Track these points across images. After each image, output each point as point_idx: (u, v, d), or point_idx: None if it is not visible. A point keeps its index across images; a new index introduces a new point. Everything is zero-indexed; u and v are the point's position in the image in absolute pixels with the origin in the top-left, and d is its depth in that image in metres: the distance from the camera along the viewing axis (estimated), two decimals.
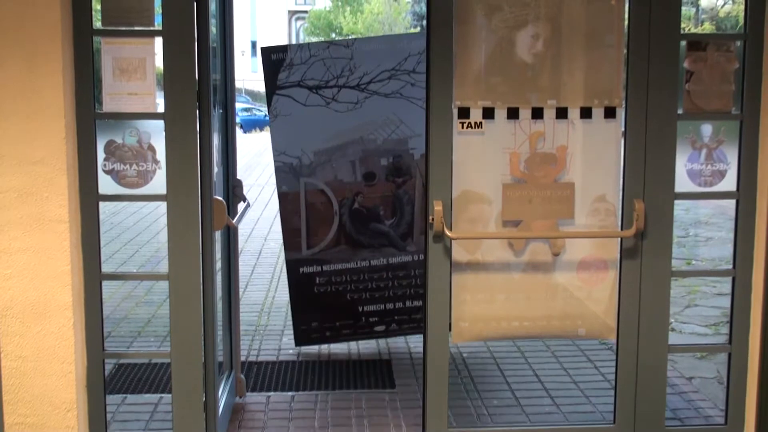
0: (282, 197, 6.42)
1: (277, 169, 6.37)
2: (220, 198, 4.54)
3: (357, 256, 6.47)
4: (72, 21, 4.04)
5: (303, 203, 6.37)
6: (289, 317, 7.44)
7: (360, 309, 6.56)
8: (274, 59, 6.33)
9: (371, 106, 6.32)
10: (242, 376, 5.64)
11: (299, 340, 6.64)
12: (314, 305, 6.53)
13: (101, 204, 4.22)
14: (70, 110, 4.05)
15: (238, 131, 39.94)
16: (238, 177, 5.44)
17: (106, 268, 4.51)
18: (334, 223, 6.41)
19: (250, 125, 43.36)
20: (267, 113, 6.14)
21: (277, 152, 6.36)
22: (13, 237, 4.06)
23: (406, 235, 6.45)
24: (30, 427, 4.20)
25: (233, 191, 5.27)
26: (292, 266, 6.51)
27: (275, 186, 6.37)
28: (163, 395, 5.73)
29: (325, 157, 6.33)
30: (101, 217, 4.25)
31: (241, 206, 5.37)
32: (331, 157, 6.32)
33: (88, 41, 4.10)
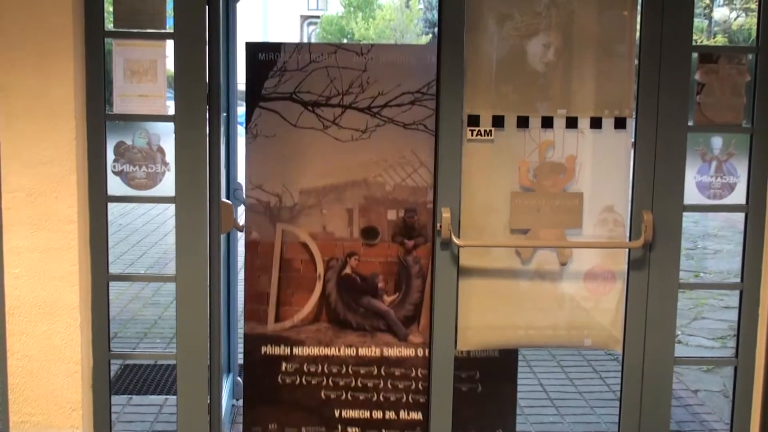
0: (250, 246, 4.68)
1: (249, 208, 4.66)
2: (228, 201, 4.53)
3: (341, 340, 4.73)
4: (84, 22, 4.06)
5: (277, 258, 4.69)
6: None
7: (336, 413, 4.78)
8: (261, 60, 4.62)
9: (383, 138, 4.62)
10: (240, 379, 5.61)
11: None
12: (275, 401, 4.76)
13: (110, 205, 4.23)
14: (80, 111, 4.06)
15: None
16: (239, 180, 5.36)
17: (113, 269, 4.51)
18: (315, 291, 4.71)
19: None
20: (246, 135, 4.61)
21: (252, 185, 4.64)
22: (21, 236, 4.07)
23: (411, 321, 4.71)
24: (35, 426, 4.21)
25: (234, 194, 5.25)
26: (251, 344, 4.73)
27: (243, 233, 4.74)
28: (168, 396, 5.74)
29: (313, 199, 4.65)
30: (110, 218, 4.26)
31: (241, 209, 4.87)
32: (321, 201, 4.65)
33: (100, 43, 4.11)
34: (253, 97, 4.60)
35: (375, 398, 4.77)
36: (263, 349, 4.73)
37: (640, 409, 4.45)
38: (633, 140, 4.29)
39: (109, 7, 4.15)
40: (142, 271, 10.38)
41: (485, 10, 4.20)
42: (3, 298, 4.13)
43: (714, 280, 10.58)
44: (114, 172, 4.23)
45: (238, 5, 5.54)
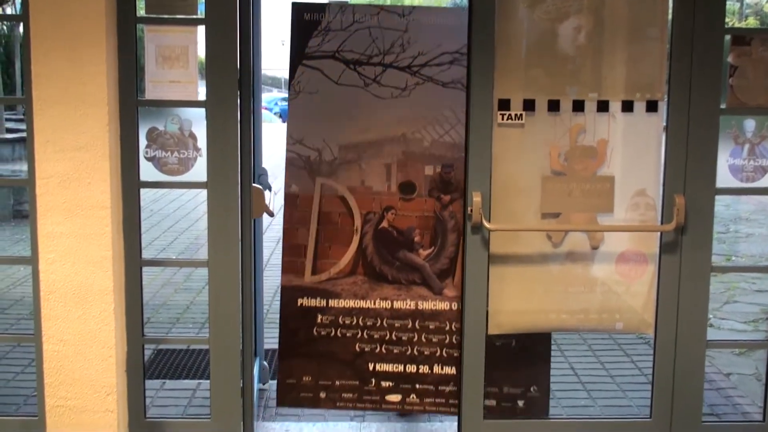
0: (289, 199, 4.75)
1: (289, 162, 4.74)
2: (259, 186, 4.55)
3: (376, 293, 4.77)
4: (116, 9, 4.08)
5: (315, 212, 4.76)
6: None
7: (371, 367, 4.82)
8: (306, 20, 4.81)
9: (422, 96, 4.71)
10: (266, 363, 5.65)
11: (282, 399, 4.86)
12: (310, 353, 4.81)
13: (142, 191, 4.26)
14: (113, 97, 4.09)
15: (278, 120, 40.23)
16: (267, 167, 5.36)
17: (146, 255, 4.54)
18: (352, 244, 4.78)
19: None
20: (289, 92, 4.81)
21: (292, 140, 4.76)
22: (56, 222, 4.11)
23: (446, 274, 4.73)
24: (70, 409, 4.25)
25: (259, 180, 5.25)
26: (288, 295, 4.78)
27: (283, 185, 4.76)
28: (201, 381, 5.78)
29: (352, 154, 4.74)
30: (142, 204, 4.28)
31: (267, 195, 4.75)
32: (360, 156, 4.73)
33: (132, 29, 4.13)
34: (298, 55, 4.75)
35: (409, 352, 4.80)
36: (299, 301, 4.78)
37: (672, 393, 4.44)
38: (665, 123, 4.27)
39: None
40: (174, 257, 10.43)
41: None
42: (38, 283, 4.18)
43: (746, 264, 10.51)
44: (146, 158, 4.25)
45: None
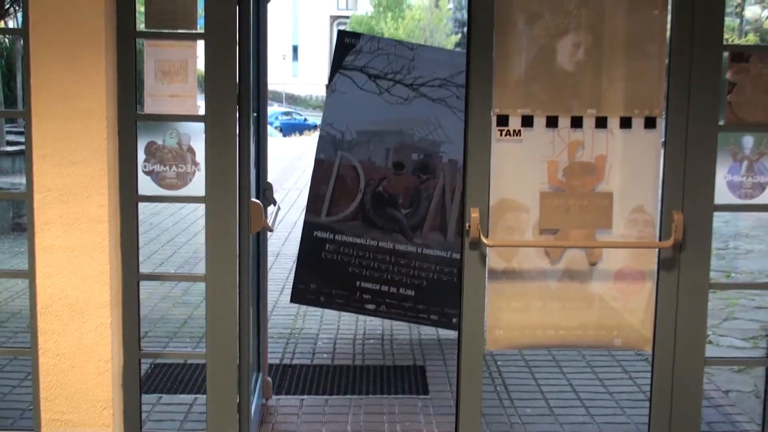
0: (317, 163, 7.03)
1: (321, 138, 7.09)
2: (258, 201, 4.56)
3: (368, 234, 7.00)
4: (116, 23, 4.09)
5: (334, 173, 6.98)
6: (325, 321, 7.54)
7: (357, 284, 7.04)
8: (346, 42, 7.07)
9: (417, 106, 6.92)
10: (269, 379, 5.66)
11: (295, 297, 7.18)
12: (318, 269, 7.04)
13: (141, 204, 4.26)
14: (111, 111, 4.09)
15: (278, 135, 40.26)
16: (269, 180, 5.46)
17: (144, 269, 4.54)
18: (356, 199, 6.98)
19: (289, 129, 43.59)
20: (327, 90, 7.20)
21: (325, 122, 7.12)
22: (53, 236, 4.10)
23: (416, 228, 6.96)
24: (66, 423, 4.24)
25: (264, 194, 5.30)
26: (308, 228, 7.09)
27: (315, 153, 7.09)
28: (197, 396, 5.77)
29: (365, 138, 6.96)
30: (141, 217, 4.28)
31: (271, 209, 5.36)
32: (370, 140, 6.95)
33: (131, 43, 4.14)
34: (336, 66, 7.03)
35: (385, 277, 7.03)
36: (315, 232, 7.07)
37: (671, 410, 4.42)
38: (663, 140, 4.27)
39: (140, 8, 4.17)
40: (173, 271, 10.43)
41: (515, 9, 4.19)
42: (35, 297, 4.17)
43: (745, 280, 10.50)
44: (145, 172, 4.25)
45: (269, 5, 5.56)
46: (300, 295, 7.12)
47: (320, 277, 7.05)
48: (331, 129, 7.02)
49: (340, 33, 7.17)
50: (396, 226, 6.97)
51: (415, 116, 6.93)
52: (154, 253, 11.21)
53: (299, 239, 7.25)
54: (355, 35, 7.23)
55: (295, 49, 72.58)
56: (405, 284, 7.00)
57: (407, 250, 7.01)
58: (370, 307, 7.10)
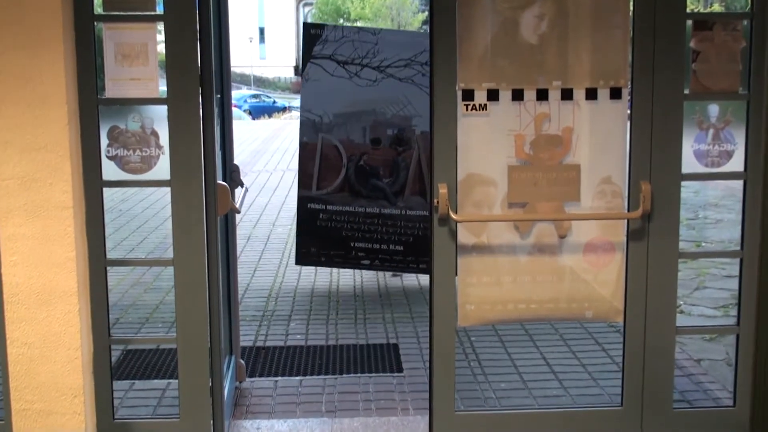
0: (302, 146, 7.83)
1: (302, 123, 7.83)
2: (224, 183, 4.52)
3: (356, 202, 7.79)
4: (73, 6, 4.03)
5: (318, 153, 7.74)
6: (297, 303, 7.60)
7: (352, 244, 7.89)
8: (312, 33, 7.71)
9: (386, 86, 7.60)
10: (242, 361, 5.64)
11: (299, 260, 8.08)
12: (315, 235, 7.89)
13: (108, 191, 4.21)
14: (72, 96, 4.04)
15: (247, 118, 40.12)
16: (237, 163, 5.44)
17: (115, 255, 4.50)
18: (341, 174, 7.74)
19: (258, 112, 43.42)
20: (302, 79, 7.85)
21: (304, 109, 7.85)
22: (17, 224, 4.06)
23: (398, 194, 7.75)
24: (37, 413, 4.21)
25: (231, 176, 5.27)
26: (302, 201, 7.90)
27: (298, 137, 7.90)
28: (170, 381, 5.74)
29: (342, 119, 7.69)
30: (109, 204, 4.24)
31: (239, 191, 5.38)
32: (347, 121, 7.67)
33: (90, 27, 4.09)
34: (307, 56, 7.69)
35: (375, 236, 7.84)
36: (308, 205, 7.87)
37: (643, 380, 4.44)
38: (629, 110, 4.27)
39: None
40: (143, 256, 10.37)
41: None
42: (1, 287, 4.12)
43: (715, 249, 10.56)
44: (108, 157, 4.21)
45: None
46: (303, 257, 8.03)
47: (318, 241, 7.90)
48: (310, 114, 7.76)
49: (305, 25, 7.93)
50: (380, 194, 7.77)
51: (385, 96, 7.62)
52: (123, 240, 11.12)
53: (294, 211, 8.33)
54: (320, 26, 7.85)
55: (261, 31, 72.26)
56: (394, 241, 7.84)
57: (393, 213, 7.80)
58: (365, 262, 7.97)
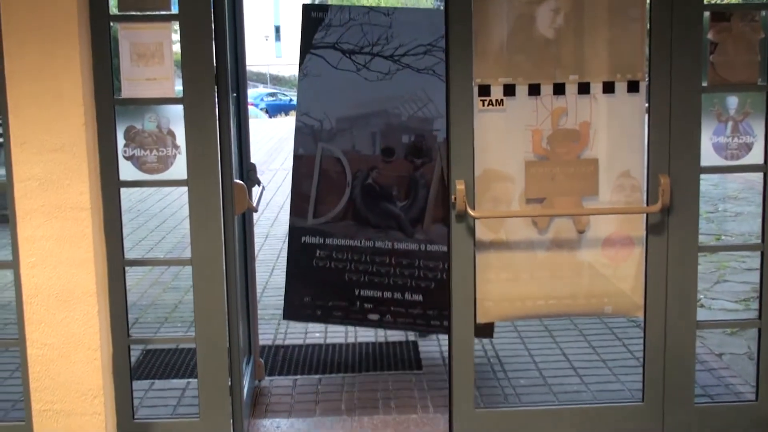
0: (297, 159, 6.01)
1: (297, 130, 5.99)
2: (241, 182, 4.52)
3: (362, 234, 5.89)
4: (89, 7, 4.03)
5: (317, 169, 5.92)
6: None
7: (356, 292, 5.97)
8: (313, 17, 6.05)
9: (401, 79, 5.87)
10: (261, 360, 5.63)
11: (288, 314, 6.11)
12: (310, 279, 5.97)
13: (126, 191, 4.21)
14: (88, 97, 4.04)
15: (264, 116, 40.14)
16: (255, 161, 5.41)
17: (133, 255, 4.51)
18: (344, 195, 5.88)
19: (275, 110, 43.44)
20: (299, 74, 6.00)
21: (300, 112, 6.02)
22: (35, 225, 4.06)
23: (416, 222, 5.82)
24: (57, 413, 4.21)
25: (248, 175, 5.26)
26: (294, 234, 6.00)
27: (293, 149, 6.08)
28: (190, 380, 5.74)
29: (346, 124, 5.89)
30: (127, 204, 4.24)
31: (256, 190, 5.31)
32: (352, 126, 5.88)
33: (106, 27, 4.09)
34: (306, 46, 5.96)
35: (386, 281, 5.92)
36: (303, 238, 5.96)
37: (664, 376, 4.42)
38: (647, 103, 4.24)
39: None
40: (161, 256, 10.38)
41: None
42: (20, 287, 4.13)
43: (735, 243, 10.50)
44: (125, 157, 4.21)
45: None
46: (294, 310, 6.09)
47: (314, 289, 6.00)
48: (308, 119, 5.96)
49: (305, 7, 6.09)
50: (393, 222, 5.88)
51: (400, 92, 5.83)
52: (143, 239, 11.15)
53: (287, 243, 6.17)
54: (323, 8, 6.14)
55: (277, 29, 72.24)
56: (410, 288, 5.92)
57: (409, 249, 5.87)
58: (374, 317, 6.01)
